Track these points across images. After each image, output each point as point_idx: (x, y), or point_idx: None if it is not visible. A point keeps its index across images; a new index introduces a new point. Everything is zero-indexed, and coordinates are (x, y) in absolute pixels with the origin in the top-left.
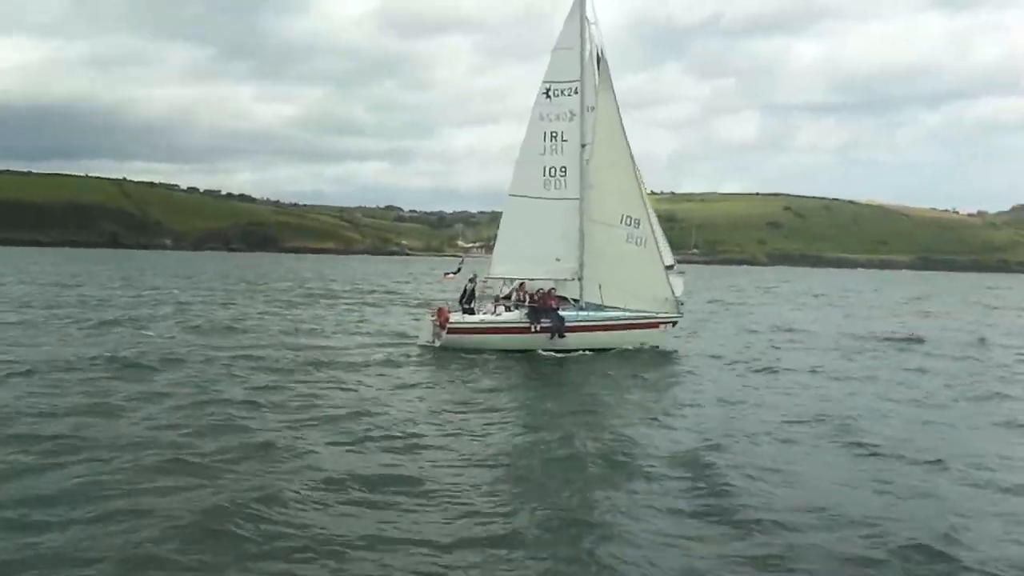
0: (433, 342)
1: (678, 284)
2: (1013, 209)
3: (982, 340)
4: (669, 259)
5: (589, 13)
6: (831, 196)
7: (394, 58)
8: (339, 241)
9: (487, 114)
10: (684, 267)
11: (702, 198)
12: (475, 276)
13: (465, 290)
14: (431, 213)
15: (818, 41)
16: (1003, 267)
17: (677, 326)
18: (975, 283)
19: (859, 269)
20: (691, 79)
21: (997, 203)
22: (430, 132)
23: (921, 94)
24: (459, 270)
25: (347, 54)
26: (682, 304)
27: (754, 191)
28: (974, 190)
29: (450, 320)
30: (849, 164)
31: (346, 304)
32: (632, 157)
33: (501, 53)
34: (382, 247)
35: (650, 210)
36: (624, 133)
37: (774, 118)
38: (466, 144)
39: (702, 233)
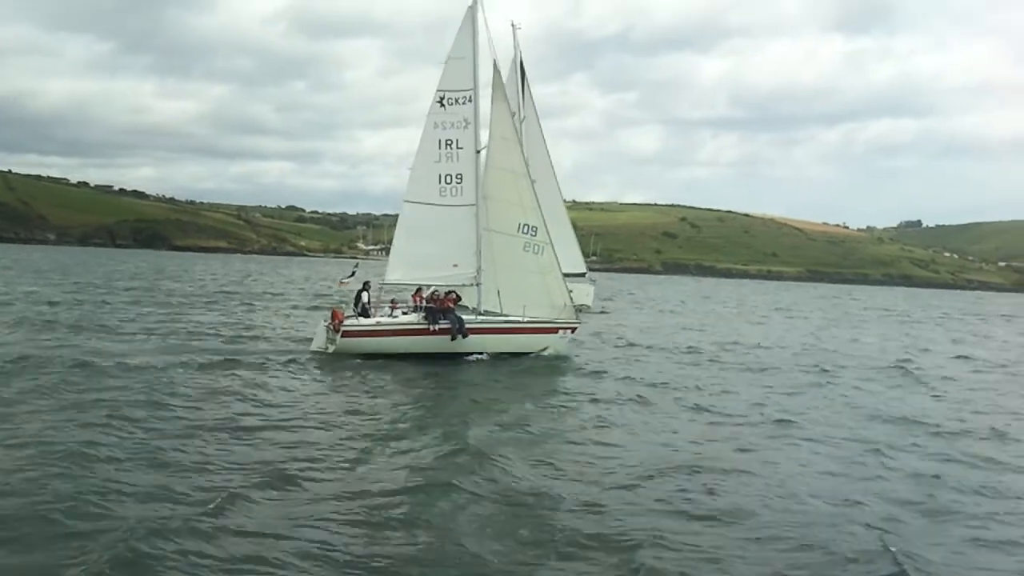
0: (327, 348)
1: (589, 292)
2: (900, 225)
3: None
4: (582, 267)
5: (480, 22)
6: (726, 209)
7: (303, 59)
8: (233, 240)
9: (396, 117)
10: (594, 275)
11: (603, 207)
12: (368, 283)
13: (359, 295)
14: (333, 214)
15: (724, 58)
16: (886, 280)
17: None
18: (840, 292)
19: (747, 280)
20: (597, 91)
21: (886, 219)
22: (338, 134)
23: (819, 113)
24: (354, 273)
25: (255, 53)
26: (582, 310)
27: (653, 202)
28: (865, 206)
29: (344, 323)
30: (747, 178)
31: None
32: (549, 163)
33: (411, 56)
34: (279, 247)
35: (563, 219)
36: (520, 143)
37: (677, 132)
38: (374, 147)
39: (601, 241)
